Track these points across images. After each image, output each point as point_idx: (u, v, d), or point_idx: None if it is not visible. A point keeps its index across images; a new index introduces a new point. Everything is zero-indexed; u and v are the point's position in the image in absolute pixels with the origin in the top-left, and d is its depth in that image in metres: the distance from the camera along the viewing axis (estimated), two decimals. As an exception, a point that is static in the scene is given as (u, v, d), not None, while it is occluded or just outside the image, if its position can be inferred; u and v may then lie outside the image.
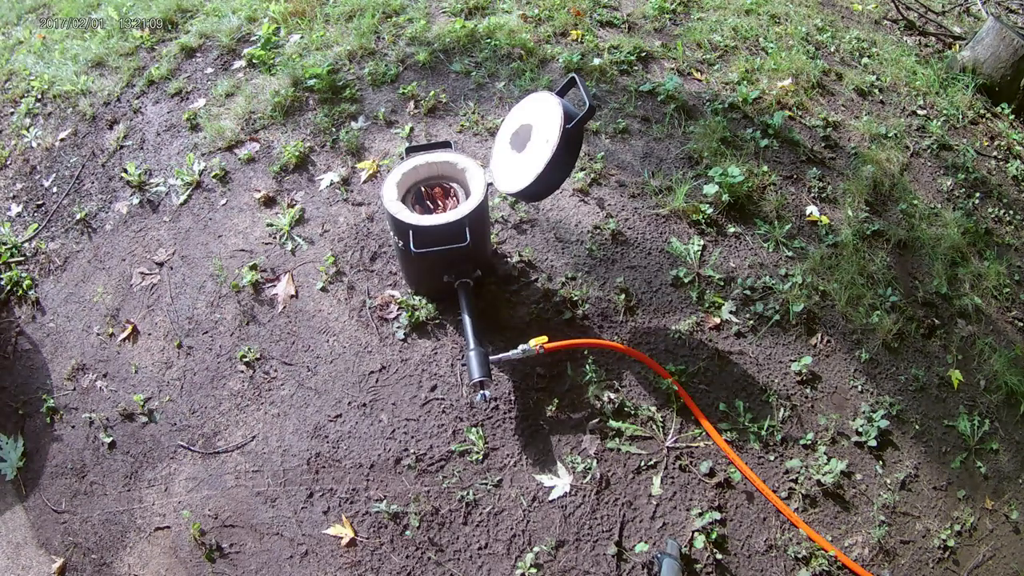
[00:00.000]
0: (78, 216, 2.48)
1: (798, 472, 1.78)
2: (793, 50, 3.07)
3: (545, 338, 1.74)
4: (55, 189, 2.62)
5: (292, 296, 2.11)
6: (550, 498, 1.70)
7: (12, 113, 3.00)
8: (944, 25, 4.00)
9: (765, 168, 2.50)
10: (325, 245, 2.22)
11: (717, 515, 1.68)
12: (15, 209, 2.61)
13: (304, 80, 2.72)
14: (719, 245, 2.25)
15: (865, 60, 3.24)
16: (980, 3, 4.26)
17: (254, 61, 2.90)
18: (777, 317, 2.07)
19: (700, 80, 2.85)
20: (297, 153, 2.46)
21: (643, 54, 2.90)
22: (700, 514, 1.68)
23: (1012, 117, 3.20)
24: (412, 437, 1.80)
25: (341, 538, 1.67)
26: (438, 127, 2.58)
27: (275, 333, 2.03)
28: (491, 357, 1.72)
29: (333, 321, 2.04)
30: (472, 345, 1.69)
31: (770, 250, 2.27)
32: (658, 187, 2.38)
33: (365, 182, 2.40)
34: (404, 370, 1.92)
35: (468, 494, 1.70)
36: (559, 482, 1.72)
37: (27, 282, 2.33)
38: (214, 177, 2.46)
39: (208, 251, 2.26)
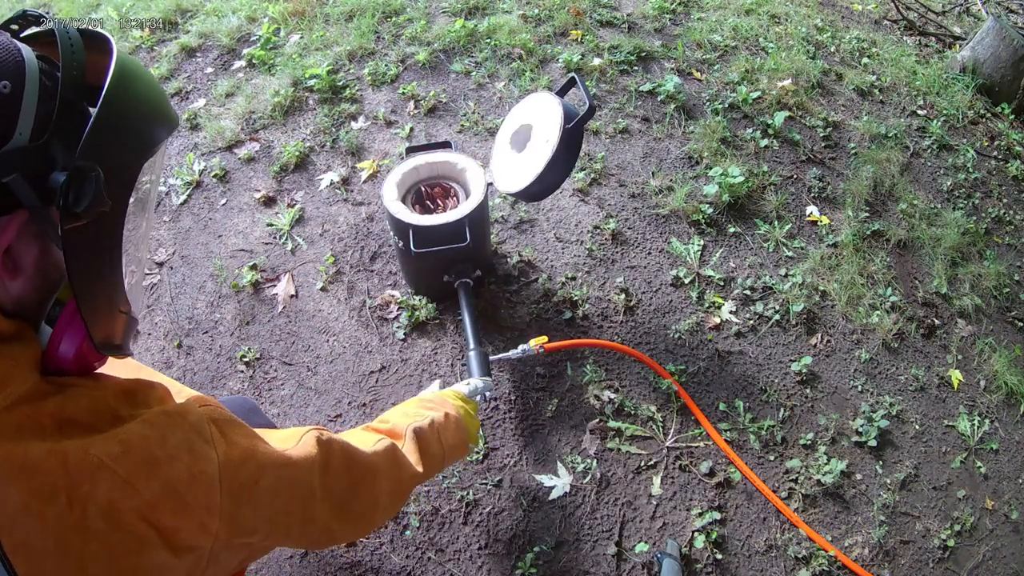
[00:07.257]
0: (78, 216, 2.48)
1: (798, 472, 1.78)
2: (793, 50, 3.07)
3: (545, 338, 1.74)
4: (55, 189, 2.62)
5: (292, 296, 2.11)
6: (550, 498, 1.70)
7: (12, 113, 3.00)
8: (944, 25, 4.01)
9: (765, 168, 2.50)
10: (325, 245, 2.22)
11: (717, 515, 1.68)
12: (15, 209, 2.61)
13: (304, 80, 2.72)
14: (719, 245, 2.25)
15: (865, 60, 3.24)
16: (980, 3, 4.26)
17: (254, 61, 2.90)
18: (777, 317, 2.07)
19: (700, 80, 2.85)
20: (297, 153, 2.47)
21: (643, 54, 2.90)
22: (700, 514, 1.68)
23: (1012, 117, 3.20)
24: (412, 437, 1.80)
25: (341, 538, 1.67)
26: (438, 127, 2.58)
27: (275, 333, 2.03)
28: (491, 357, 1.72)
29: (333, 321, 2.04)
30: (472, 345, 1.69)
31: (770, 250, 2.27)
32: (658, 187, 2.38)
33: (365, 182, 2.40)
34: (404, 370, 1.92)
35: (468, 494, 1.70)
36: (559, 482, 1.72)
37: (27, 282, 2.33)
38: (214, 177, 2.46)
39: (208, 251, 2.26)
